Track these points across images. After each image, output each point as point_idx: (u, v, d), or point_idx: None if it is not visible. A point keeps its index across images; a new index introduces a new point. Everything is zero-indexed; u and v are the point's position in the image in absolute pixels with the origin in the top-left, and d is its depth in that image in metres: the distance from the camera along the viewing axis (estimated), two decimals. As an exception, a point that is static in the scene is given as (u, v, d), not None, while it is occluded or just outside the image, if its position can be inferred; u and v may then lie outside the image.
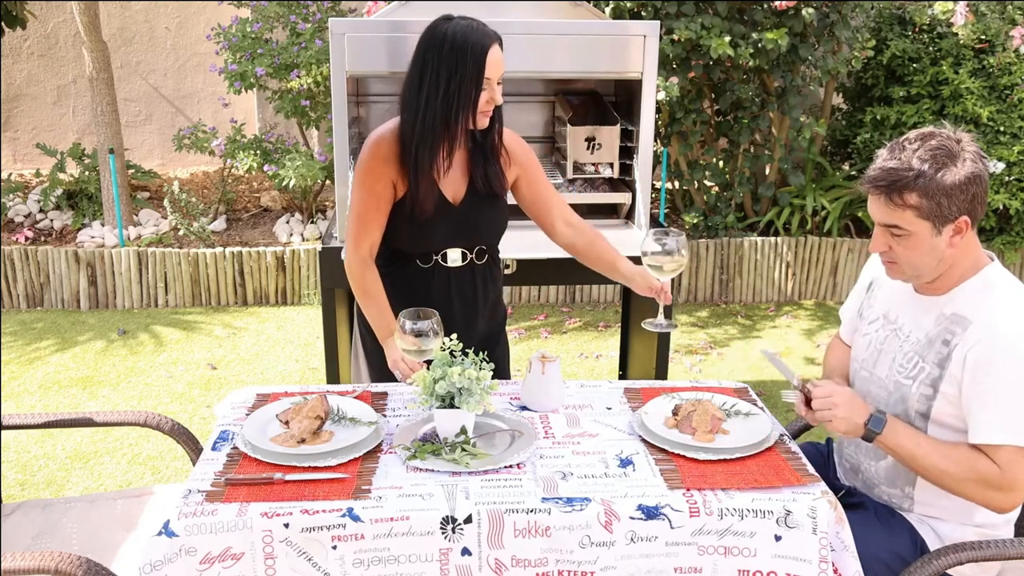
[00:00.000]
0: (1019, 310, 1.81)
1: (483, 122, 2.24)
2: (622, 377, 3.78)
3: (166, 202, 5.58)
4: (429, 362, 1.99)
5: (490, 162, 2.32)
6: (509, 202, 2.44)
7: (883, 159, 1.83)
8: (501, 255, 2.56)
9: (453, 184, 2.31)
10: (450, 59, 2.13)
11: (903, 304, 2.00)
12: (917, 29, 5.49)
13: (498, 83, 2.20)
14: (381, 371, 2.39)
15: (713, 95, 5.40)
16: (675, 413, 2.03)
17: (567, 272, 3.24)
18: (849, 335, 2.25)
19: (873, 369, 2.03)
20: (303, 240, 5.58)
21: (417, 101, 2.17)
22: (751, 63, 4.78)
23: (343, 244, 2.80)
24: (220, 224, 5.74)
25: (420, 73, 2.17)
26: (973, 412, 1.80)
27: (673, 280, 2.24)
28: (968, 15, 5.04)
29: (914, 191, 1.78)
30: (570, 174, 3.34)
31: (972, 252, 1.88)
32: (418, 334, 1.97)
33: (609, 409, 2.12)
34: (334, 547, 1.68)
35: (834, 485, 2.11)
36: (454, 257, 2.37)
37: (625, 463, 1.87)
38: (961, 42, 5.19)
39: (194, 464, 2.02)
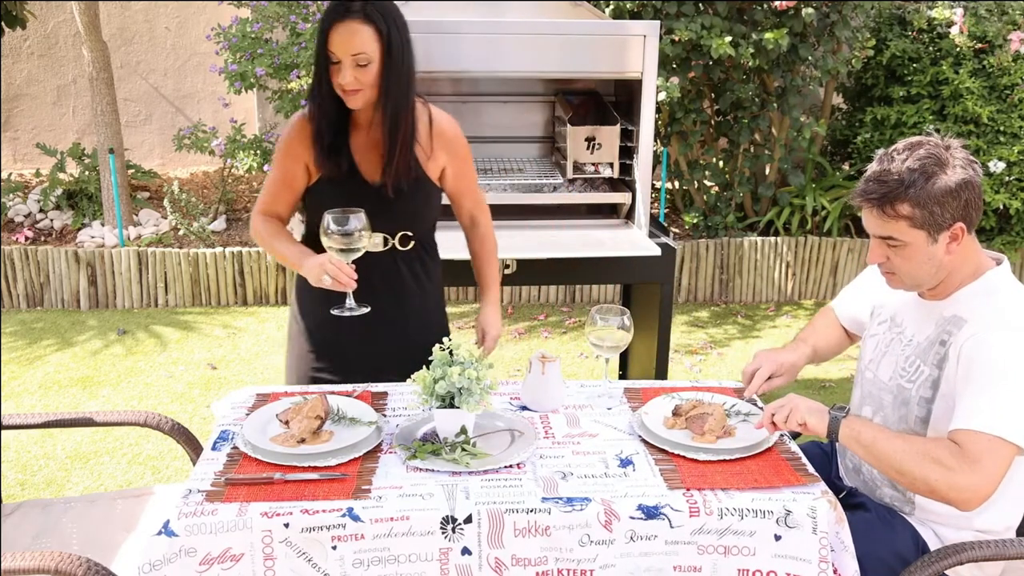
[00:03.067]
0: (1015, 310, 1.81)
1: (352, 103, 2.12)
2: (622, 377, 3.78)
3: (166, 202, 5.58)
4: (356, 265, 2.04)
5: (395, 151, 2.18)
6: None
7: (872, 171, 1.83)
8: (501, 255, 2.52)
9: (371, 165, 2.23)
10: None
11: (908, 308, 2.01)
12: (917, 30, 5.49)
13: (361, 64, 2.05)
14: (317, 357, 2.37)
15: (713, 95, 5.40)
16: (675, 413, 2.03)
17: (567, 272, 3.25)
18: (845, 318, 2.27)
19: (877, 371, 2.04)
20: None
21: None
22: (751, 63, 4.78)
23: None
24: (220, 224, 5.74)
25: None
26: (957, 402, 1.79)
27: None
28: (964, 27, 5.04)
29: (906, 201, 1.78)
30: (570, 174, 3.33)
31: (972, 258, 1.88)
32: (345, 233, 2.02)
33: (609, 409, 2.13)
34: (334, 547, 1.68)
35: (836, 485, 2.11)
36: (376, 241, 2.27)
37: (625, 463, 1.87)
38: (959, 45, 5.19)
39: (194, 464, 2.02)
